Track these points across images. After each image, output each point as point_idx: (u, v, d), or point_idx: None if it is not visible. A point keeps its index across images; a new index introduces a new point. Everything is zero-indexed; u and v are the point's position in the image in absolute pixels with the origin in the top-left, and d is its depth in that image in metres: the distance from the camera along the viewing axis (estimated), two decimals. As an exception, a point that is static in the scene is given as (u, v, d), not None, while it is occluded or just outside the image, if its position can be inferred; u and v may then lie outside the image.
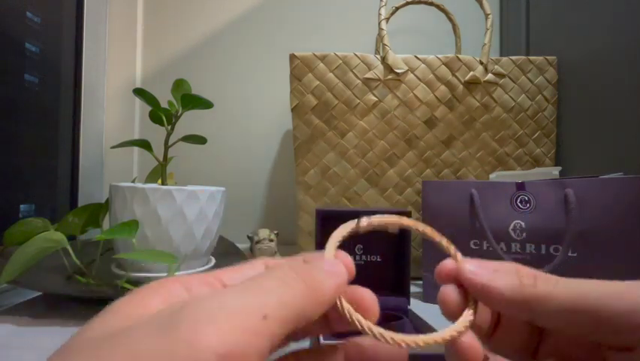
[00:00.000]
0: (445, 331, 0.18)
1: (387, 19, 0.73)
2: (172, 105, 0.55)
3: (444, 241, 0.20)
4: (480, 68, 0.71)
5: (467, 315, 0.18)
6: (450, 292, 0.19)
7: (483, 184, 0.55)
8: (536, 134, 0.73)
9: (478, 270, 0.19)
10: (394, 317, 0.44)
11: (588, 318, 0.16)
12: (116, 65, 0.93)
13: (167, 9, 1.04)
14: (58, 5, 0.77)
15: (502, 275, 0.18)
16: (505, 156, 0.73)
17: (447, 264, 0.20)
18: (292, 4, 1.04)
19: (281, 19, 1.04)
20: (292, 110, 0.70)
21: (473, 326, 0.18)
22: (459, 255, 0.19)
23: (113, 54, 0.91)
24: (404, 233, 0.49)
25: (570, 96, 0.75)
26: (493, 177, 0.67)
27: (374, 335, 0.18)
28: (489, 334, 0.19)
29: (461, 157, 0.71)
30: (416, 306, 0.55)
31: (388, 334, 0.17)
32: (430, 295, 0.57)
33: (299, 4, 1.04)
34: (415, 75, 0.70)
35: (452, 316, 0.19)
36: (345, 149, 0.69)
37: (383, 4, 0.71)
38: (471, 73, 0.70)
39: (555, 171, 0.63)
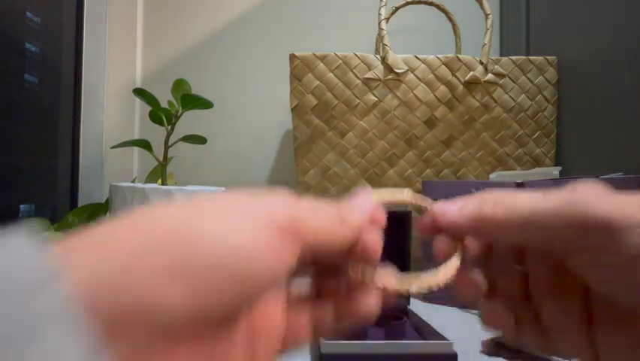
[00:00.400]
0: (437, 275, 0.20)
1: (387, 19, 0.73)
2: (172, 105, 0.55)
3: (427, 203, 0.22)
4: (480, 68, 0.71)
5: (454, 259, 0.20)
6: (438, 242, 0.21)
7: (483, 184, 0.55)
8: (536, 135, 0.73)
9: (446, 211, 0.20)
10: (394, 317, 0.44)
11: (539, 231, 0.17)
12: (116, 65, 0.93)
13: (167, 9, 1.04)
14: (58, 5, 0.77)
15: (467, 209, 0.19)
16: (505, 156, 0.73)
17: (424, 219, 0.21)
18: (292, 4, 1.04)
19: (281, 19, 1.04)
20: (292, 110, 0.70)
21: (464, 263, 0.20)
22: (433, 206, 0.21)
23: (113, 54, 0.91)
24: (404, 233, 0.49)
25: (570, 96, 0.75)
26: (493, 177, 0.67)
27: (375, 285, 0.20)
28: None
29: (461, 157, 0.71)
30: (416, 306, 0.55)
31: (382, 281, 0.20)
32: (430, 295, 0.57)
33: (299, 4, 1.04)
34: (415, 75, 0.70)
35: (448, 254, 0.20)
36: (345, 149, 0.69)
37: (383, 4, 0.71)
38: (471, 73, 0.70)
39: (555, 171, 0.63)
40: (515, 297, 0.20)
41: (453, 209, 0.20)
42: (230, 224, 0.14)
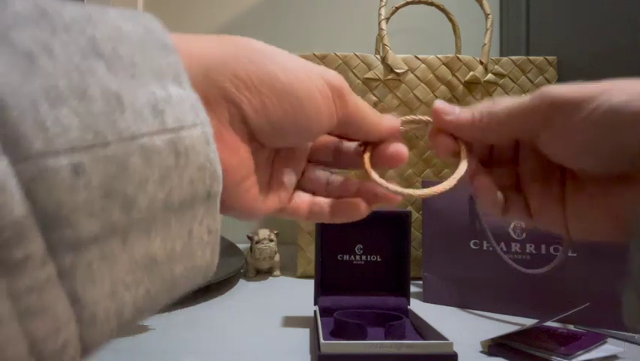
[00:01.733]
0: (445, 183, 0.23)
1: (387, 19, 0.73)
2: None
3: (423, 118, 0.27)
4: (480, 68, 0.71)
5: (461, 166, 0.23)
6: (442, 140, 0.25)
7: (483, 184, 0.55)
8: (536, 135, 0.73)
9: (450, 115, 0.25)
10: (394, 317, 0.44)
11: (518, 122, 0.22)
12: (116, 65, 0.93)
13: (167, 9, 1.04)
14: (58, 5, 0.77)
15: (464, 113, 0.24)
16: (505, 156, 0.73)
17: (434, 125, 0.26)
18: (292, 5, 1.04)
19: (280, 20, 1.04)
20: (292, 110, 0.70)
21: (471, 165, 0.24)
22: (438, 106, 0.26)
23: (113, 54, 0.91)
24: (404, 233, 0.49)
25: (570, 96, 0.75)
26: (493, 177, 0.67)
27: (384, 187, 0.23)
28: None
29: (461, 157, 0.71)
30: (416, 306, 0.55)
31: (392, 187, 0.23)
32: (430, 295, 0.57)
33: (299, 5, 1.04)
34: (415, 75, 0.70)
35: (453, 154, 0.24)
36: (345, 149, 0.69)
37: (383, 4, 0.71)
38: (471, 73, 0.70)
39: (555, 171, 0.63)
40: (508, 188, 0.24)
41: (454, 112, 0.25)
42: (300, 71, 0.19)
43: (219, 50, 0.17)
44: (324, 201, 0.24)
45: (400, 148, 0.24)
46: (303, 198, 0.24)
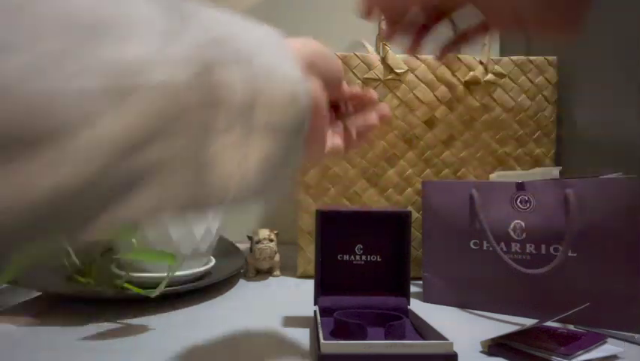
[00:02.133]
0: None
1: (387, 19, 0.73)
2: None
3: None
4: (480, 68, 0.71)
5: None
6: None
7: (483, 184, 0.55)
8: (536, 134, 0.73)
9: None
10: (394, 317, 0.44)
11: None
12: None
13: (167, 9, 1.04)
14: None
15: None
16: (505, 156, 0.73)
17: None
18: (292, 4, 1.04)
19: (280, 20, 1.04)
20: (292, 110, 0.70)
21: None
22: None
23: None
24: (404, 233, 0.49)
25: (570, 96, 0.75)
26: (493, 177, 0.67)
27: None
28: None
29: (461, 157, 0.71)
30: (416, 306, 0.55)
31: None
32: (430, 295, 0.57)
33: (299, 4, 1.05)
34: (415, 75, 0.70)
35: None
36: (345, 149, 0.69)
37: (383, 4, 0.71)
38: (471, 73, 0.70)
39: (555, 171, 0.63)
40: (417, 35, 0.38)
41: None
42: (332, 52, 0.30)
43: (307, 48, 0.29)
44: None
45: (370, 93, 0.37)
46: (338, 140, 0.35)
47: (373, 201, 0.70)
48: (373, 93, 0.36)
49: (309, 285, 0.65)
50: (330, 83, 0.30)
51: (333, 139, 0.34)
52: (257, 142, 0.23)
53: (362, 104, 0.36)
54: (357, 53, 0.69)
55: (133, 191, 0.17)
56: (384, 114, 0.36)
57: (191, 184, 0.19)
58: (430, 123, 0.70)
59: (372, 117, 0.36)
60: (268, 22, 0.25)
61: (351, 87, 0.35)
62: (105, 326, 0.45)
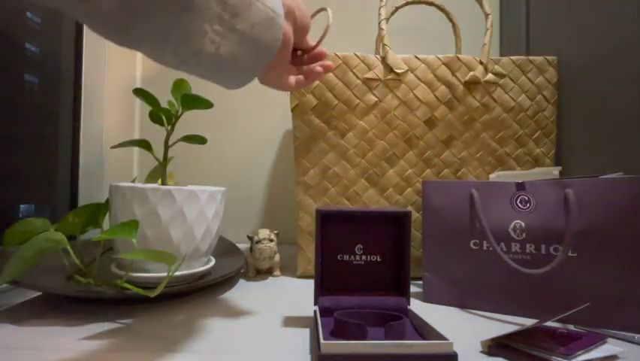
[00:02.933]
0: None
1: (388, 19, 0.73)
2: (172, 105, 0.55)
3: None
4: (480, 68, 0.71)
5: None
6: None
7: (483, 184, 0.55)
8: (536, 134, 0.73)
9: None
10: (394, 317, 0.44)
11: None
12: (116, 65, 0.93)
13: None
14: (59, 5, 0.76)
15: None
16: (505, 156, 0.73)
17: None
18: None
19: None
20: (292, 110, 0.70)
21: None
22: None
23: (113, 54, 0.91)
24: (404, 233, 0.49)
25: (570, 96, 0.75)
26: (493, 177, 0.67)
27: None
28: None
29: (461, 157, 0.71)
30: (416, 306, 0.55)
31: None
32: (430, 295, 0.57)
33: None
34: (415, 75, 0.70)
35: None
36: (345, 149, 0.69)
37: (383, 4, 0.71)
38: (471, 73, 0.70)
39: (555, 171, 0.63)
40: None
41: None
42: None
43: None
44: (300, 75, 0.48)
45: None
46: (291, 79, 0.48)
47: (373, 201, 0.70)
48: (324, 50, 0.48)
49: (309, 285, 0.65)
50: (300, 32, 0.41)
51: (289, 77, 0.46)
52: (231, 41, 0.33)
53: (315, 58, 0.48)
54: (357, 53, 0.69)
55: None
56: (327, 66, 0.48)
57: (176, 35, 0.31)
58: (430, 123, 0.70)
59: (318, 68, 0.48)
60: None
61: (310, 42, 0.47)
62: (105, 326, 0.45)
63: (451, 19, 0.83)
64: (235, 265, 0.65)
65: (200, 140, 0.57)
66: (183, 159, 1.01)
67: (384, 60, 0.70)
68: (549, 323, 0.45)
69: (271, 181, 1.06)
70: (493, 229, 0.53)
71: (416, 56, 0.70)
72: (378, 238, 0.50)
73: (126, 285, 0.47)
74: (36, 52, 0.70)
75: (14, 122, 0.66)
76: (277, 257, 0.69)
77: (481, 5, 0.72)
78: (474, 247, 0.55)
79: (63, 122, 0.78)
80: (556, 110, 0.74)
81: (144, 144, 0.55)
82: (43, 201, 0.73)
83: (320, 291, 0.49)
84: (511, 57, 0.73)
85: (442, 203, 0.57)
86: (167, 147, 0.56)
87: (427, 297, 0.57)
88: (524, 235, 0.52)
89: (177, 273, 0.52)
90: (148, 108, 0.55)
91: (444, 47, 0.97)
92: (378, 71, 0.69)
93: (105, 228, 0.55)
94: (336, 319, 0.42)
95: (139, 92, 0.54)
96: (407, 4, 0.81)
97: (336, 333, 0.42)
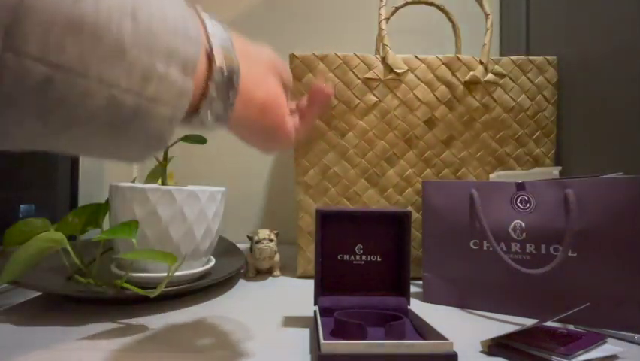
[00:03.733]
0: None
1: (387, 19, 0.73)
2: (172, 105, 0.55)
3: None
4: (480, 68, 0.71)
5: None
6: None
7: (483, 184, 0.55)
8: (536, 134, 0.73)
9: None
10: (394, 317, 0.44)
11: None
12: (116, 65, 0.93)
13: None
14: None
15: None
16: (505, 156, 0.73)
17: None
18: (292, 5, 1.04)
19: (281, 19, 1.04)
20: (292, 110, 0.70)
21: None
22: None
23: (113, 54, 0.91)
24: (404, 233, 0.49)
25: (570, 96, 0.75)
26: (493, 177, 0.67)
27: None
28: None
29: (461, 157, 0.71)
30: (416, 306, 0.55)
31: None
32: (430, 295, 0.57)
33: (299, 5, 1.04)
34: (415, 75, 0.70)
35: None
36: (345, 149, 0.69)
37: (383, 4, 0.71)
38: (471, 73, 0.70)
39: (555, 171, 0.63)
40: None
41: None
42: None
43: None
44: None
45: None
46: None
47: (373, 201, 0.70)
48: (319, 85, 0.40)
49: (309, 285, 0.65)
50: (286, 84, 0.37)
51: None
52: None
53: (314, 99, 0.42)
54: (357, 53, 0.69)
55: None
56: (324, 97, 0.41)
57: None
58: (430, 123, 0.70)
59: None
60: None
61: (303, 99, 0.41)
62: (105, 326, 0.45)
63: (451, 19, 0.83)
64: (235, 265, 0.65)
65: (199, 140, 0.57)
66: (183, 159, 1.01)
67: (384, 60, 0.70)
68: (549, 323, 0.45)
69: (271, 181, 1.06)
70: (493, 229, 0.53)
71: (416, 56, 0.70)
72: (378, 238, 0.50)
73: (126, 285, 0.47)
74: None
75: (14, 122, 0.66)
76: (277, 257, 0.69)
77: (481, 5, 0.72)
78: (474, 247, 0.55)
79: (63, 122, 0.78)
80: (556, 110, 0.74)
81: (144, 144, 0.55)
82: (43, 201, 0.73)
83: (320, 291, 0.49)
84: (511, 57, 0.73)
85: (442, 203, 0.57)
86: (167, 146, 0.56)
87: (427, 297, 0.57)
88: (524, 235, 0.52)
89: (177, 273, 0.52)
90: (148, 108, 0.55)
91: (444, 47, 0.97)
92: (378, 71, 0.69)
93: (105, 228, 0.55)
94: (336, 319, 0.42)
95: (139, 92, 0.54)
96: (407, 4, 0.81)
97: (336, 333, 0.42)
